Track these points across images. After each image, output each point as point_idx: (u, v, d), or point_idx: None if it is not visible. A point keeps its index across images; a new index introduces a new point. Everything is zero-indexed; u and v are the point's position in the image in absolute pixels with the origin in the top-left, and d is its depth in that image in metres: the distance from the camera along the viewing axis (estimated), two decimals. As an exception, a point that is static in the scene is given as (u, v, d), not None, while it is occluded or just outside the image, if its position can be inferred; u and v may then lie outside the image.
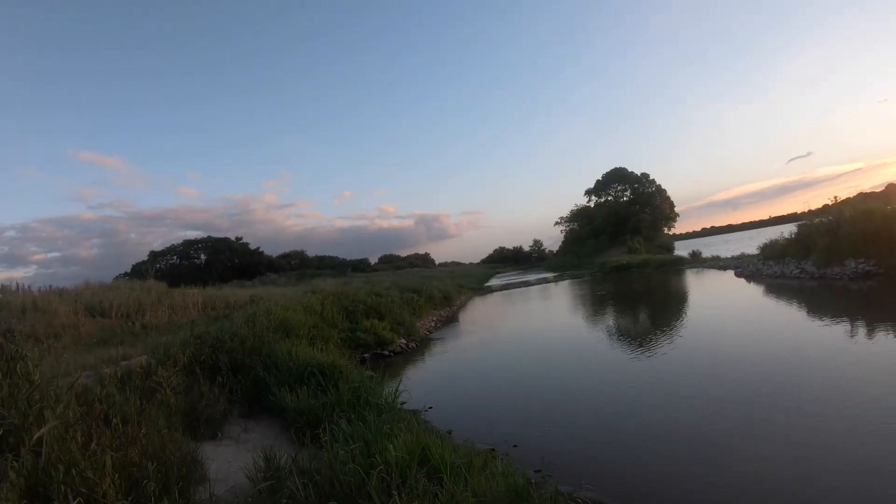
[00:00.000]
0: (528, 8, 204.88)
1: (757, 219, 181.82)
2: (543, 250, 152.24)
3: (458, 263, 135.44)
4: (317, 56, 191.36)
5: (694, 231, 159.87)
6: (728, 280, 33.41)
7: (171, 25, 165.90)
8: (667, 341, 16.25)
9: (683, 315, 22.42)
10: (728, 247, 55.56)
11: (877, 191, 35.32)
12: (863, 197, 34.98)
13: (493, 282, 74.65)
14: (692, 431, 8.53)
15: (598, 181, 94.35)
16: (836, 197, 33.83)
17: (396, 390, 9.92)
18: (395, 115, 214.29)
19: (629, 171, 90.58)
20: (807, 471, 6.76)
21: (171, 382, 8.47)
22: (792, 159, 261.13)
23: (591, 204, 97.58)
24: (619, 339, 18.29)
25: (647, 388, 11.38)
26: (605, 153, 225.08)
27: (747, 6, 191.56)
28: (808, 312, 18.54)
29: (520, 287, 57.63)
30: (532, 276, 74.55)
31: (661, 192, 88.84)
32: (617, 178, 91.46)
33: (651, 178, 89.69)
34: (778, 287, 26.20)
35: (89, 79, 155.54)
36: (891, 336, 13.22)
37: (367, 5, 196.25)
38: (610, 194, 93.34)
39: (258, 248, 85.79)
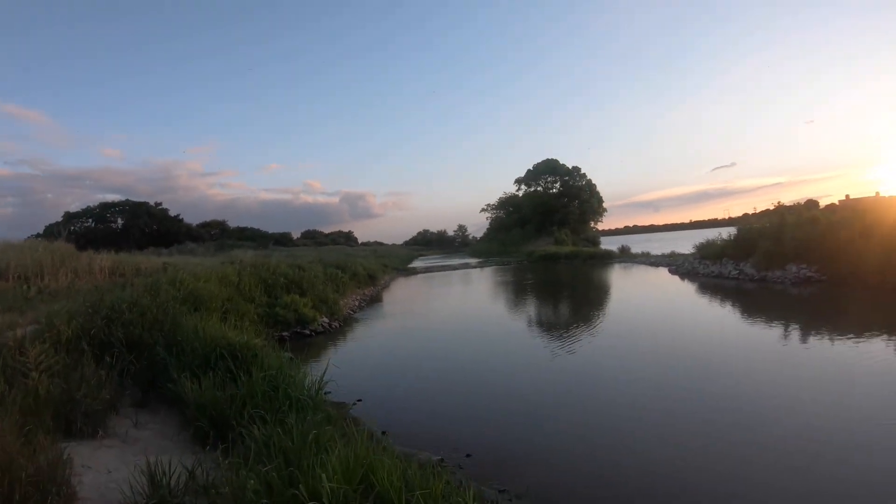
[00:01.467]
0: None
1: (678, 221, 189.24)
2: (467, 236, 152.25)
3: (381, 244, 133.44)
4: (256, 27, 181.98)
5: (616, 228, 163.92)
6: (663, 276, 33.71)
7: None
8: (610, 333, 15.70)
9: (626, 307, 22.16)
10: (651, 245, 56.57)
11: (796, 204, 36.28)
12: (809, 205, 35.74)
13: (417, 263, 73.66)
14: (659, 434, 7.84)
15: (528, 171, 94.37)
16: (755, 207, 34.80)
17: (321, 379, 8.36)
18: (329, 91, 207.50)
19: (561, 163, 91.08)
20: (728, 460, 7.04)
21: (40, 363, 6.73)
22: (716, 168, 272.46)
23: (520, 193, 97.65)
24: (561, 331, 17.44)
25: (592, 384, 10.67)
26: (536, 145, 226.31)
27: (687, 16, 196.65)
28: (746, 313, 18.67)
29: (444, 270, 57.01)
30: (456, 261, 73.93)
31: (590, 186, 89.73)
32: (548, 169, 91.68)
33: (582, 172, 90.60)
34: (715, 286, 26.50)
35: (13, 30, 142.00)
36: (825, 340, 13.22)
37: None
38: (540, 185, 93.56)
39: (178, 215, 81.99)
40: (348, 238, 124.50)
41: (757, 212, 36.93)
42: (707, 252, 33.36)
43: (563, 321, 20.35)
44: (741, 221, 35.40)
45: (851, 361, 11.25)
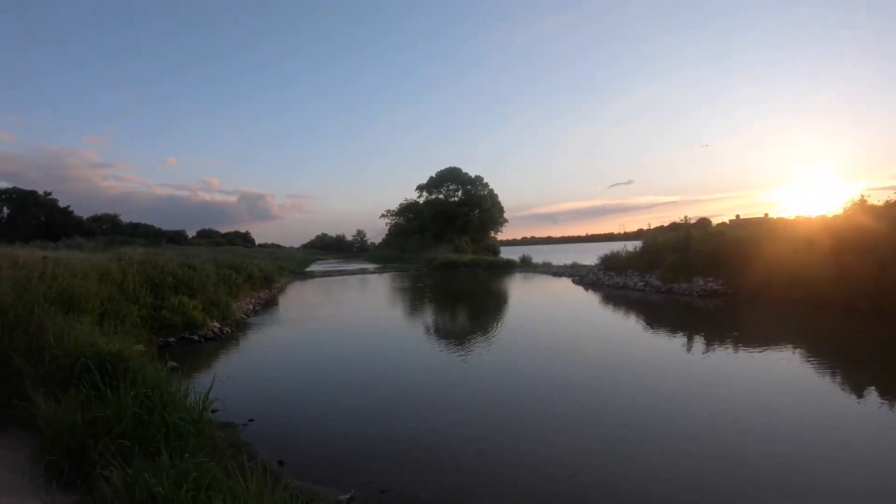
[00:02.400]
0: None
1: (576, 234, 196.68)
2: (366, 241, 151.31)
3: (279, 246, 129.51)
4: (156, 14, 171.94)
5: (515, 239, 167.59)
6: (568, 287, 34.27)
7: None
8: (519, 344, 15.24)
9: (534, 318, 21.92)
10: (551, 256, 57.77)
11: (689, 222, 38.16)
12: (702, 222, 37.49)
13: (315, 267, 72.28)
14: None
15: (431, 178, 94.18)
16: (649, 223, 36.37)
17: (206, 397, 7.02)
18: (232, 87, 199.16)
19: (464, 171, 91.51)
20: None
21: None
22: (614, 185, 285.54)
23: (422, 200, 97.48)
24: (469, 342, 16.74)
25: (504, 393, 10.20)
26: (440, 155, 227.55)
27: (592, 43, 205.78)
28: (651, 323, 19.11)
29: (342, 275, 56.02)
30: (354, 266, 73.33)
31: (492, 196, 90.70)
32: (451, 176, 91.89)
33: (485, 181, 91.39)
34: (621, 297, 27.08)
35: None
36: (724, 350, 13.51)
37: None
38: (442, 192, 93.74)
39: (68, 206, 75.85)
40: (245, 239, 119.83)
41: (651, 227, 38.56)
42: (612, 263, 34.12)
43: (469, 331, 19.89)
44: (636, 236, 36.72)
45: (748, 370, 11.64)
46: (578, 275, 38.17)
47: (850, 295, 18.69)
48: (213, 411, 7.73)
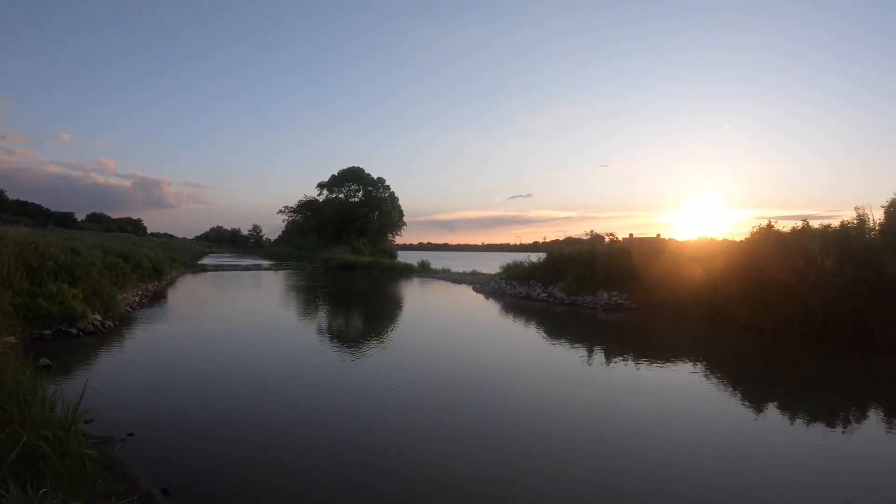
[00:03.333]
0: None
1: (472, 243, 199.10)
2: (262, 237, 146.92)
3: (172, 236, 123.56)
4: None
5: (412, 244, 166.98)
6: (468, 294, 34.52)
7: None
8: (407, 350, 14.88)
9: (431, 324, 21.51)
10: (447, 263, 57.95)
11: (583, 238, 39.43)
12: (594, 238, 38.54)
13: (207, 260, 69.26)
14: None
15: (333, 176, 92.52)
16: (545, 236, 37.45)
17: (76, 408, 6.10)
18: (138, 62, 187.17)
19: (366, 172, 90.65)
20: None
21: None
22: (513, 196, 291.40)
23: (322, 198, 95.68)
24: (361, 343, 16.16)
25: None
26: (342, 156, 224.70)
27: (499, 59, 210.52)
28: (550, 333, 19.60)
29: (236, 270, 54.22)
30: (248, 261, 71.00)
31: (393, 199, 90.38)
32: (353, 176, 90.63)
33: (387, 184, 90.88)
34: (522, 307, 27.42)
35: None
36: (620, 362, 13.47)
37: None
38: (343, 192, 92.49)
39: None
40: (137, 226, 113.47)
41: (546, 241, 39.34)
42: (514, 273, 34.36)
43: (366, 334, 19.25)
44: (532, 248, 37.46)
45: (649, 381, 11.93)
46: (479, 283, 38.50)
47: (754, 315, 19.67)
48: (85, 422, 6.91)
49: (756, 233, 23.58)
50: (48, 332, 14.49)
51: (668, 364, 14.23)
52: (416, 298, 34.29)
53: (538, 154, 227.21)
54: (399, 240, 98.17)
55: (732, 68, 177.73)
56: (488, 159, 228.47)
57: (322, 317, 24.35)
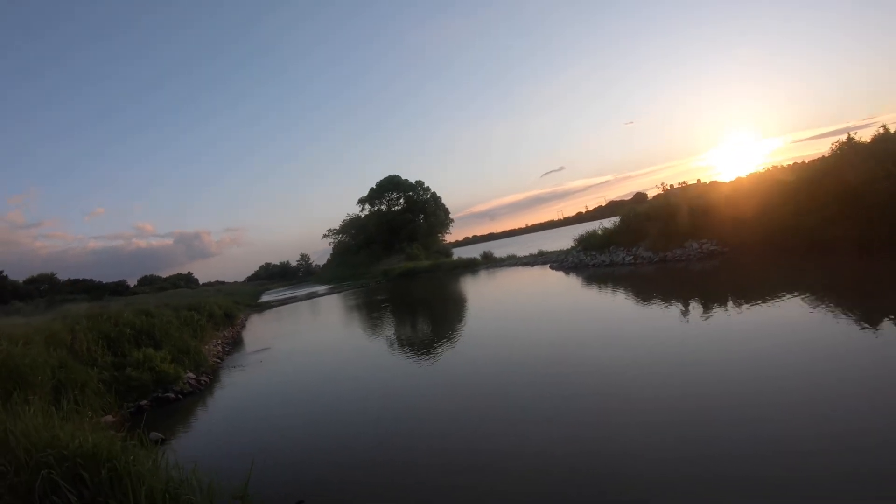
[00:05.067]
0: (290, 15, 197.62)
1: (515, 227, 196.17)
2: (311, 264, 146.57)
3: (223, 283, 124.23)
4: (58, 56, 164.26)
5: (457, 240, 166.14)
6: (548, 274, 32.54)
7: None
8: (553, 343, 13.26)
9: (548, 312, 19.34)
10: (501, 250, 55.85)
11: (626, 199, 38.05)
12: (638, 197, 37.79)
13: (266, 298, 68.43)
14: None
15: (372, 189, 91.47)
16: (587, 206, 37.05)
17: (246, 487, 4.97)
18: (148, 123, 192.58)
19: (403, 178, 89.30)
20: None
21: None
22: (546, 173, 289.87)
23: (364, 213, 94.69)
24: (485, 344, 14.40)
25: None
26: (374, 168, 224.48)
27: (515, 29, 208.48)
28: (661, 295, 16.88)
29: (297, 301, 52.63)
30: (306, 290, 70.00)
31: (436, 198, 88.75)
32: (391, 185, 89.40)
33: (426, 185, 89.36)
34: (614, 275, 25.78)
35: None
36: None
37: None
38: (384, 203, 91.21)
39: (2, 271, 70.43)
40: (188, 280, 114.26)
41: (589, 209, 38.90)
42: (591, 243, 33.08)
43: (473, 339, 17.11)
44: (577, 220, 36.93)
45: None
46: (554, 260, 36.53)
47: (859, 233, 18.73)
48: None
49: (837, 148, 23.08)
50: (145, 402, 13.17)
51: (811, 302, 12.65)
52: (502, 290, 31.71)
53: (563, 126, 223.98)
54: (446, 238, 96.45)
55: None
56: (515, 141, 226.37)
57: (422, 329, 22.21)
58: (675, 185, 32.68)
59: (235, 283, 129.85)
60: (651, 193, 42.87)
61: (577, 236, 35.60)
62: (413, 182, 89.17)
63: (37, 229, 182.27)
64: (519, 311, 20.79)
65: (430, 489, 6.60)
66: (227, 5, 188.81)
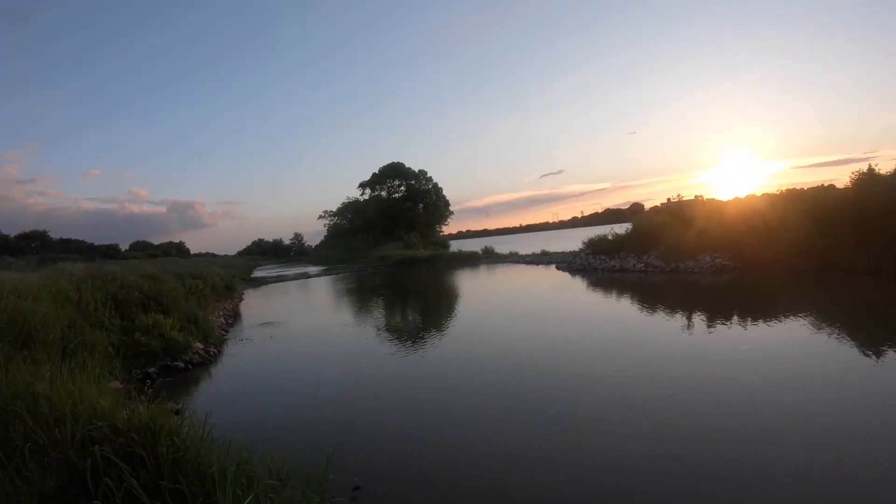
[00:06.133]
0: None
1: (510, 225, 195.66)
2: (304, 244, 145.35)
3: (214, 255, 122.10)
4: (70, 20, 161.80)
5: (450, 233, 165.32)
6: (554, 274, 32.19)
7: None
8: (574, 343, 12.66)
9: (552, 312, 18.66)
10: (501, 247, 55.28)
11: (623, 208, 38.01)
12: (634, 208, 37.79)
13: (258, 273, 67.41)
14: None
15: (374, 174, 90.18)
16: (582, 211, 37.58)
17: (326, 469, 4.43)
18: (150, 90, 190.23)
19: (406, 166, 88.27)
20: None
21: None
22: (545, 175, 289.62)
23: (364, 197, 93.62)
24: (503, 342, 13.79)
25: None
26: (373, 154, 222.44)
27: (523, 27, 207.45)
28: (681, 306, 15.79)
29: (294, 279, 51.82)
30: (299, 270, 68.82)
31: (437, 189, 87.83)
32: (394, 172, 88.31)
33: (428, 175, 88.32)
34: (623, 281, 25.57)
35: None
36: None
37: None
38: (385, 189, 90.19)
39: None
40: (179, 249, 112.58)
41: (585, 215, 39.35)
42: (601, 247, 32.86)
43: (489, 334, 16.30)
44: (571, 224, 37.27)
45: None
46: (562, 261, 36.18)
47: (873, 260, 19.43)
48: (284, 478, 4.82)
49: (858, 178, 23.53)
50: (153, 369, 12.56)
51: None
52: (509, 286, 30.53)
53: (565, 129, 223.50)
54: (443, 230, 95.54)
55: (750, 16, 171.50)
56: (515, 140, 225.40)
57: (431, 318, 21.37)
58: (690, 197, 32.60)
59: (227, 256, 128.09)
60: (648, 205, 43.03)
61: (585, 239, 35.35)
62: (416, 171, 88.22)
63: (32, 185, 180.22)
64: (536, 311, 20.11)
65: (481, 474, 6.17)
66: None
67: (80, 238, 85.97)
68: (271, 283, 50.05)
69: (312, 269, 66.18)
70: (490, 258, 49.02)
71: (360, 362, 13.57)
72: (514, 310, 20.54)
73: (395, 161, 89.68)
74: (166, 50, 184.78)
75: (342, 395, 10.46)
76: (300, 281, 49.84)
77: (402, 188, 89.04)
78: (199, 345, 14.62)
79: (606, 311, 18.51)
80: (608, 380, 9.69)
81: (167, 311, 15.32)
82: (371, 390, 10.77)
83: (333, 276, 52.76)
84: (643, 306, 18.15)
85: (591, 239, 34.45)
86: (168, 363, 13.00)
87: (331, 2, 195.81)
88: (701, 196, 32.45)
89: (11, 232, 75.69)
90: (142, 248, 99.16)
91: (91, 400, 5.07)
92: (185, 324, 15.18)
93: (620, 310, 18.38)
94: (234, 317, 24.15)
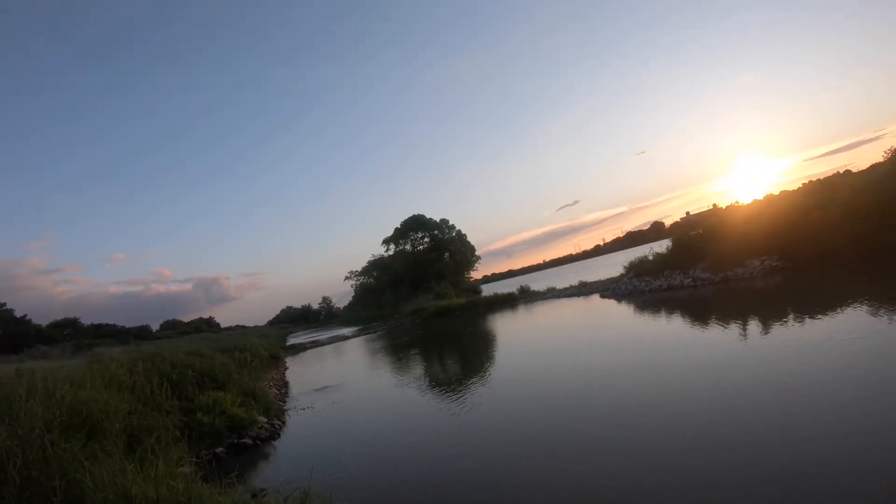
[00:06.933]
0: (306, 59, 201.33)
1: (533, 263, 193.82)
2: (332, 307, 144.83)
3: (245, 327, 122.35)
4: (73, 105, 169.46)
5: (476, 279, 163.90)
6: (600, 304, 30.83)
7: None
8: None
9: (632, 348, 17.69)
10: (538, 284, 54.02)
11: (644, 229, 37.54)
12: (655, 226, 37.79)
13: (293, 340, 66.55)
14: None
15: (396, 229, 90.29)
16: (604, 238, 37.65)
17: None
18: (165, 172, 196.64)
19: (427, 217, 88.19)
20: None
21: None
22: (561, 207, 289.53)
23: (389, 253, 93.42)
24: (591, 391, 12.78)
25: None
26: (390, 208, 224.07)
27: (525, 69, 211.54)
28: (738, 318, 14.82)
29: (330, 343, 50.86)
30: (333, 333, 67.80)
31: (461, 236, 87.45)
32: (416, 225, 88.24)
33: (450, 223, 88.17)
34: (672, 300, 24.31)
35: None
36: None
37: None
38: (409, 242, 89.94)
39: (25, 315, 70.44)
40: (210, 324, 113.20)
41: (607, 242, 39.34)
42: (643, 268, 32.11)
43: (559, 380, 15.21)
44: (595, 253, 36.89)
45: None
46: (607, 288, 34.91)
47: None
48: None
49: (892, 154, 23.94)
50: (220, 449, 11.62)
51: None
52: (559, 323, 28.74)
53: (576, 160, 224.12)
54: (472, 275, 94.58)
55: (740, 17, 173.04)
56: (529, 178, 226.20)
57: (495, 369, 19.56)
58: (689, 214, 32.86)
59: (257, 327, 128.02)
60: (668, 222, 42.73)
61: (620, 263, 34.87)
62: (437, 221, 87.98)
63: (57, 274, 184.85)
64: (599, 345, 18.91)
65: None
66: (247, 51, 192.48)
67: (111, 322, 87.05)
68: (309, 348, 49.10)
69: (346, 331, 65.13)
70: (528, 297, 47.73)
71: (440, 418, 12.45)
72: (583, 345, 19.36)
73: (416, 213, 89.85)
74: (181, 130, 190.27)
75: (433, 457, 9.42)
76: (335, 345, 48.86)
77: (427, 239, 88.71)
78: (263, 418, 13.67)
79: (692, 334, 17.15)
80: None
81: (223, 387, 14.49)
82: (461, 448, 9.70)
83: (369, 334, 51.74)
84: (718, 322, 16.70)
85: (632, 262, 33.67)
86: (235, 441, 12.08)
87: (338, 68, 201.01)
88: (735, 202, 32.07)
89: (42, 321, 76.23)
90: (172, 327, 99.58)
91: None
92: (244, 398, 14.30)
93: (700, 331, 16.98)
94: (284, 386, 23.17)
